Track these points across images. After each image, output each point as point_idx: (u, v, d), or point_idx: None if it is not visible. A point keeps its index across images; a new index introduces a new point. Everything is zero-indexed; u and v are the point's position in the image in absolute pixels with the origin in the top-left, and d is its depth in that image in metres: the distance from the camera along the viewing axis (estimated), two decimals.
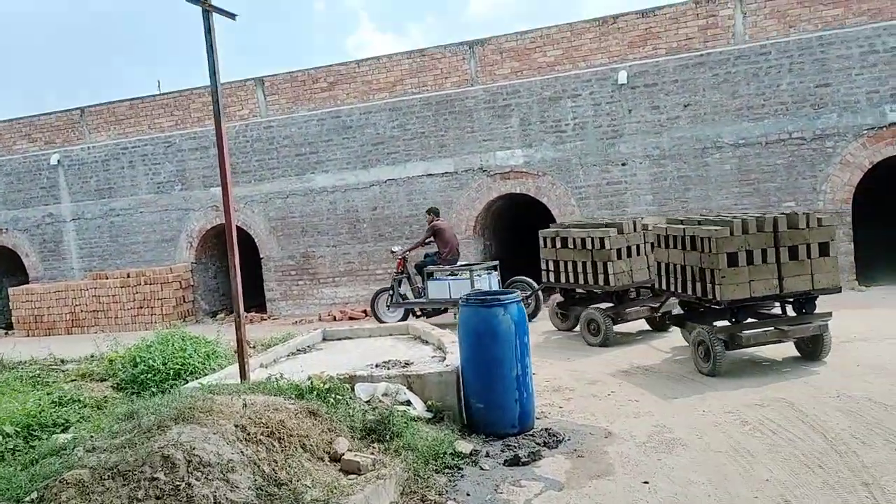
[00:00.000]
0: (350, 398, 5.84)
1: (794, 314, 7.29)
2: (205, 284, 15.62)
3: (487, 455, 5.17)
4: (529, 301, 10.86)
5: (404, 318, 11.46)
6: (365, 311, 13.44)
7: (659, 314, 8.87)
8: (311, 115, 14.04)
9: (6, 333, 16.57)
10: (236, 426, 4.89)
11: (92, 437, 5.37)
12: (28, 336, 15.52)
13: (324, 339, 9.12)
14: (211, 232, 15.31)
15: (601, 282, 8.89)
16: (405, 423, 5.44)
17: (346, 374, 6.37)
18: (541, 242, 9.92)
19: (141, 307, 14.90)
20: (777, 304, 7.57)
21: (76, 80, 61.05)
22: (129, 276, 15.10)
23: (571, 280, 9.38)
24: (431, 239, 11.52)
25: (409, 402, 6.04)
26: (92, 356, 9.92)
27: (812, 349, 7.20)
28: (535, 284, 10.95)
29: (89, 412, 6.64)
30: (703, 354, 7.03)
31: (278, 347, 8.35)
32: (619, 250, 8.77)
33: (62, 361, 10.24)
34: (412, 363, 7.14)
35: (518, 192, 12.72)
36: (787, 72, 10.81)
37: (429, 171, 13.24)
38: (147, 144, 15.44)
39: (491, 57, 12.80)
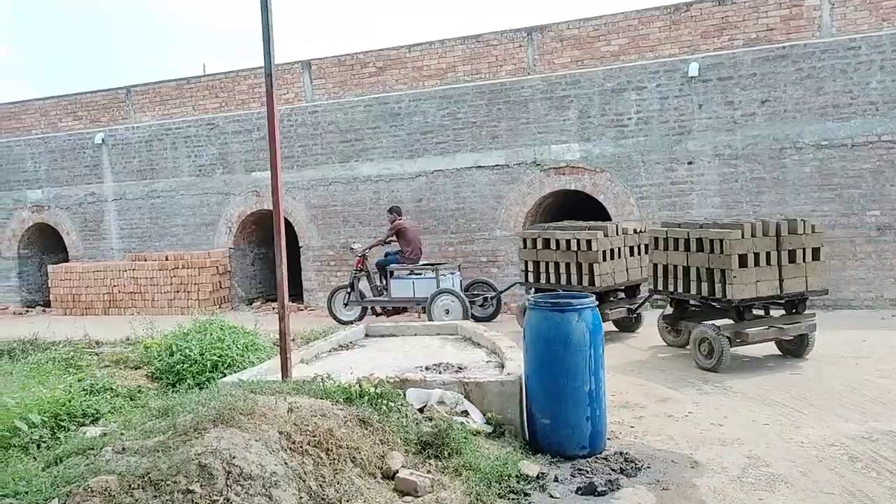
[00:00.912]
0: (402, 405, 5.30)
1: (782, 314, 7.87)
2: (242, 271, 15.27)
3: (556, 480, 4.59)
4: (491, 302, 11.25)
5: (361, 317, 11.57)
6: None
7: (634, 314, 9.58)
8: (357, 101, 13.55)
9: (44, 311, 16.45)
10: (280, 433, 4.39)
11: (122, 434, 4.93)
12: (65, 314, 15.35)
13: (366, 336, 8.62)
14: (250, 217, 14.93)
15: (586, 283, 9.21)
16: (465, 437, 4.89)
17: (395, 376, 5.84)
18: (520, 244, 10.16)
19: (178, 291, 14.60)
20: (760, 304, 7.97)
21: (125, 62, 61.64)
22: (167, 259, 14.81)
23: (553, 281, 9.63)
24: (393, 238, 11.49)
25: (466, 413, 5.50)
26: (127, 339, 9.62)
27: (796, 347, 7.85)
28: (496, 286, 11.43)
29: (121, 402, 6.23)
30: (707, 352, 7.50)
31: (320, 342, 7.87)
32: (604, 252, 9.13)
33: (97, 343, 9.94)
34: (466, 367, 6.59)
35: (573, 188, 12.07)
36: (879, 69, 9.98)
37: (479, 163, 12.66)
38: (190, 126, 15.11)
39: (550, 45, 12.16)
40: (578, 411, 5.20)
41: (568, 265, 9.38)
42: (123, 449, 4.28)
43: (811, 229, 7.75)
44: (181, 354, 6.76)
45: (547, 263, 9.69)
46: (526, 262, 10.02)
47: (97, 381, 6.32)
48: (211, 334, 7.15)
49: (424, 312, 10.95)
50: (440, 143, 12.90)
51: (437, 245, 13.00)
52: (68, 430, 5.58)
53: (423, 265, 11.44)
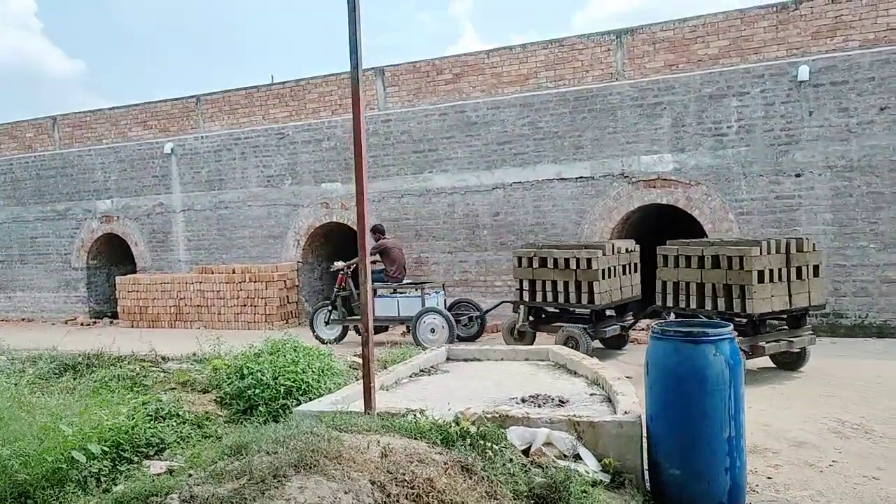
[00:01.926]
0: (505, 447, 4.56)
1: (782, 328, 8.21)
2: (310, 285, 14.80)
3: None
4: (475, 322, 11.25)
5: (342, 336, 11.60)
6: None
7: (627, 330, 9.95)
8: (432, 109, 12.96)
9: (111, 322, 16.33)
10: (373, 483, 3.71)
11: (190, 475, 4.32)
12: (132, 327, 15.16)
13: (448, 359, 7.94)
14: (319, 230, 14.48)
15: (585, 301, 9.35)
16: (583, 490, 4.12)
17: (494, 411, 5.10)
18: (515, 262, 10.17)
19: (244, 305, 14.22)
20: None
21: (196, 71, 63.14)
22: (234, 272, 14.47)
23: (550, 299, 9.73)
24: (377, 257, 11.44)
25: (577, 458, 4.72)
26: (194, 355, 9.19)
27: (792, 361, 8.25)
28: (480, 305, 11.39)
29: (188, 431, 5.65)
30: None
31: (399, 367, 7.21)
32: (603, 270, 9.29)
33: (163, 359, 9.54)
34: (568, 401, 5.82)
35: (664, 202, 11.17)
36: None
37: (561, 175, 11.88)
38: (259, 135, 14.78)
39: (641, 48, 11.32)
40: (716, 462, 4.39)
41: (566, 283, 9.47)
42: (192, 497, 3.65)
43: (812, 247, 8.24)
44: (253, 378, 6.17)
45: (543, 282, 9.76)
46: (521, 281, 10.04)
47: (163, 405, 5.76)
48: (284, 356, 6.55)
49: (409, 332, 10.90)
50: (519, 154, 12.18)
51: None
52: (131, 461, 5.02)
53: (408, 284, 11.37)
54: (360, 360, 7.90)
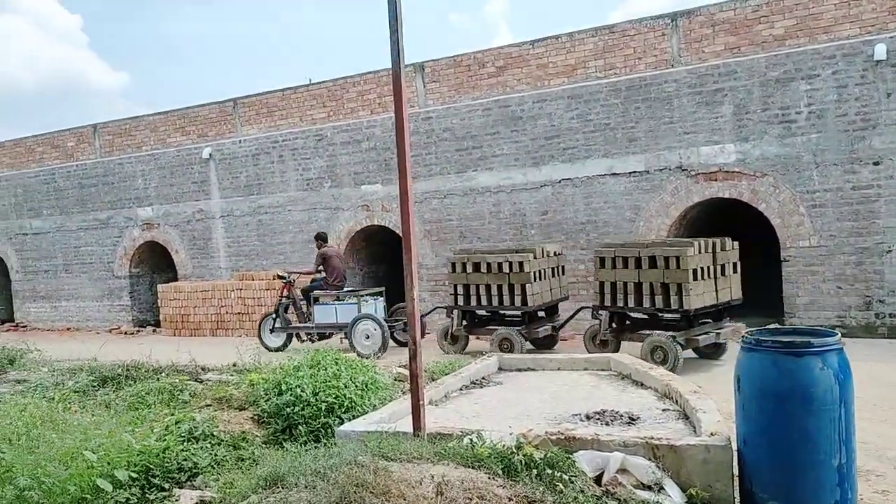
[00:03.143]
0: (574, 476, 3.99)
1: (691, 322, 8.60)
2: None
3: None
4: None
5: (287, 343, 11.75)
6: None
7: (558, 331, 10.30)
8: (475, 105, 12.42)
9: (154, 331, 16.18)
10: None
11: None
12: (174, 335, 14.96)
13: (500, 370, 7.39)
14: (360, 233, 14.05)
15: (518, 303, 9.67)
16: None
17: (558, 432, 4.53)
18: (449, 268, 10.41)
19: None
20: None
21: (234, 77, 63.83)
22: (274, 279, 14.12)
23: (484, 303, 10.01)
24: (321, 266, 11.68)
25: (656, 488, 4.12)
26: (234, 365, 8.86)
27: (714, 351, 8.96)
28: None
29: (223, 453, 5.20)
30: (662, 358, 8.11)
31: (449, 379, 6.68)
32: (535, 273, 9.66)
33: (203, 369, 9.24)
34: (638, 418, 5.22)
35: (726, 196, 10.43)
36: None
37: (613, 170, 11.22)
38: (297, 138, 14.43)
39: (699, 31, 10.60)
40: (823, 493, 3.77)
41: (500, 287, 9.78)
42: None
43: (732, 246, 8.88)
44: (291, 394, 5.70)
45: (477, 286, 10.04)
46: (455, 286, 10.28)
47: (196, 426, 5.33)
48: (325, 369, 6.08)
49: (346, 338, 11.07)
50: (568, 149, 11.55)
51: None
52: (161, 488, 4.59)
53: (347, 291, 11.65)
54: (405, 372, 7.41)
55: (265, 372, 6.76)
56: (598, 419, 5.22)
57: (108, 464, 4.44)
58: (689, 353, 8.81)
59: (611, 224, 11.26)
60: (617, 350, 9.08)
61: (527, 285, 9.55)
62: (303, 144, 14.35)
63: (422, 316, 11.13)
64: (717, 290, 8.61)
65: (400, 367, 7.60)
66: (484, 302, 9.97)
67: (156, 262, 17.29)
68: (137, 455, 4.69)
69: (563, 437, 4.42)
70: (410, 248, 4.79)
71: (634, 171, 11.04)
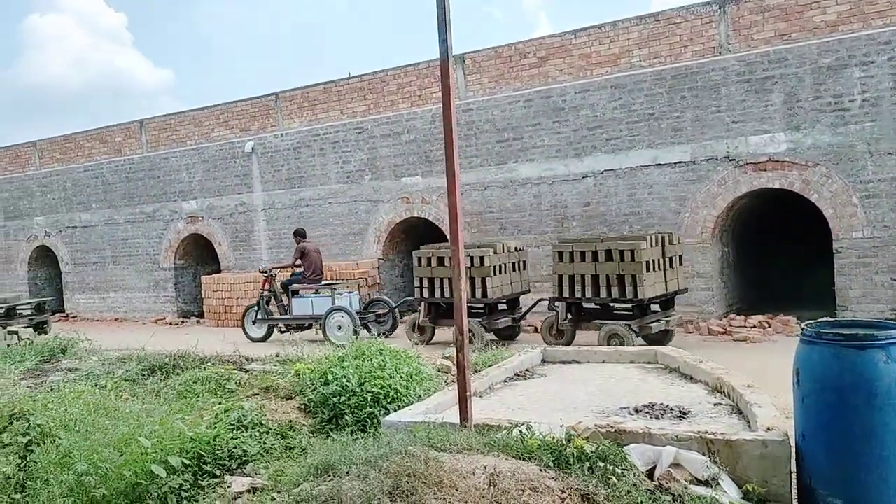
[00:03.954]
0: (626, 470, 3.92)
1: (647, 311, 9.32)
2: (391, 283, 14.43)
3: None
4: (386, 318, 12.02)
5: (268, 334, 12.37)
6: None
7: (518, 322, 10.80)
8: (516, 96, 12.32)
9: (198, 322, 16.45)
10: None
11: (274, 498, 3.90)
12: (217, 326, 15.18)
13: (543, 361, 7.32)
14: (399, 226, 14.08)
15: (479, 295, 10.23)
16: None
17: (608, 425, 4.47)
18: (415, 262, 10.92)
19: None
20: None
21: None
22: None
23: (447, 295, 10.36)
24: (299, 260, 12.20)
25: (711, 482, 4.03)
26: (277, 356, 8.96)
27: (663, 338, 9.30)
28: (391, 303, 12.25)
29: (272, 441, 5.25)
30: (618, 345, 8.55)
31: (493, 370, 6.64)
32: (494, 267, 10.17)
33: (247, 359, 9.36)
34: (689, 412, 5.11)
35: (776, 186, 10.19)
36: None
37: (657, 160, 11.04)
38: (338, 131, 14.50)
39: (748, 17, 10.34)
40: (887, 491, 3.65)
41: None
42: None
43: (678, 240, 9.74)
44: (337, 384, 5.73)
45: (441, 279, 10.57)
46: (420, 279, 10.79)
47: (245, 414, 5.38)
48: (370, 360, 6.09)
49: (321, 329, 11.60)
50: (611, 139, 11.40)
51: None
52: (213, 475, 4.64)
53: (324, 285, 12.14)
54: (449, 363, 7.39)
55: (310, 362, 6.82)
56: (648, 413, 5.13)
57: (162, 450, 4.49)
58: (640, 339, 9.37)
59: (655, 215, 11.08)
60: (573, 339, 9.82)
61: (486, 279, 10.11)
62: (343, 137, 14.41)
63: (395, 306, 12.12)
64: (666, 281, 9.35)
65: (443, 358, 7.59)
66: (447, 295, 10.36)
67: (199, 254, 17.57)
68: (189, 442, 4.75)
69: (612, 430, 4.35)
70: (457, 240, 4.76)
71: (680, 162, 10.84)
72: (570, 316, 9.67)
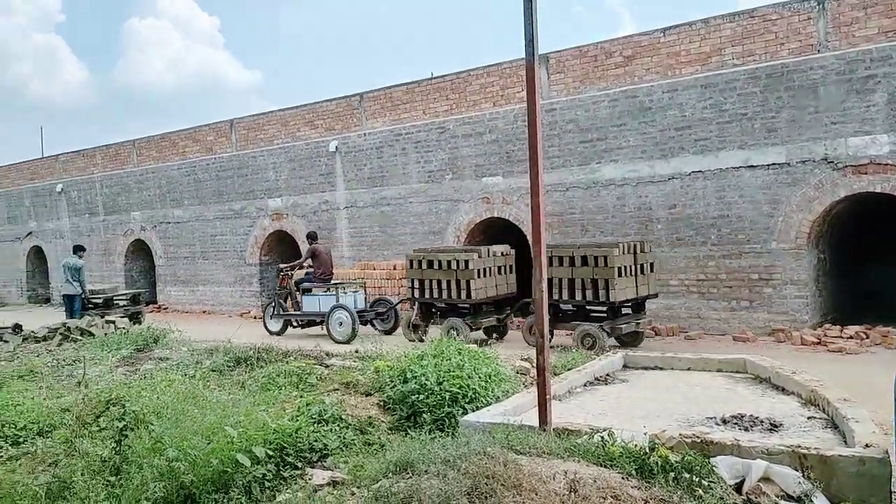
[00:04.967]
0: (713, 482, 3.77)
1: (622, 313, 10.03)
2: None
3: None
4: (388, 316, 12.70)
5: (284, 329, 13.31)
6: (655, 329, 11.23)
7: (503, 322, 11.40)
8: (601, 96, 12.10)
9: None
10: None
11: (353, 492, 3.94)
12: None
13: (625, 367, 7.18)
14: (479, 226, 14.06)
15: (464, 297, 10.81)
16: None
17: (694, 435, 4.33)
18: (408, 264, 11.64)
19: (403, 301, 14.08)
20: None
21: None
22: (394, 269, 14.41)
23: (436, 296, 11.15)
24: (310, 260, 13.14)
25: (807, 499, 3.84)
26: (356, 352, 9.10)
27: (633, 339, 10.07)
28: (392, 301, 12.92)
29: (351, 436, 5.33)
30: (590, 345, 9.41)
31: (572, 374, 6.56)
32: (478, 271, 10.78)
33: (327, 355, 9.56)
34: (781, 425, 4.90)
35: (878, 190, 9.64)
36: None
37: (749, 162, 10.62)
38: (420, 130, 14.60)
39: (849, 14, 9.82)
40: None
41: (449, 282, 10.92)
42: None
43: (649, 248, 10.26)
44: (416, 382, 5.75)
45: (430, 281, 11.18)
46: (412, 280, 11.49)
47: (326, 408, 5.47)
48: (448, 359, 6.09)
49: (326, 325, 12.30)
50: (700, 140, 11.05)
51: (693, 259, 11.15)
52: (295, 466, 4.74)
53: (334, 284, 12.92)
54: (527, 365, 7.32)
55: (389, 359, 6.88)
56: (736, 424, 4.95)
57: (246, 440, 4.62)
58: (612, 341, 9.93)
59: (745, 219, 10.66)
60: (551, 339, 9.70)
61: (471, 281, 10.65)
62: (425, 137, 14.51)
63: (394, 305, 12.72)
64: (637, 286, 9.90)
65: (521, 359, 7.52)
66: (437, 295, 11.11)
67: (283, 250, 18.04)
68: (272, 434, 4.86)
69: (698, 441, 4.21)
70: (540, 240, 4.70)
71: (773, 164, 10.40)
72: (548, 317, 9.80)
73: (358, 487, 3.93)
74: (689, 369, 6.87)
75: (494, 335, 11.40)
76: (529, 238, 12.76)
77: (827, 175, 9.97)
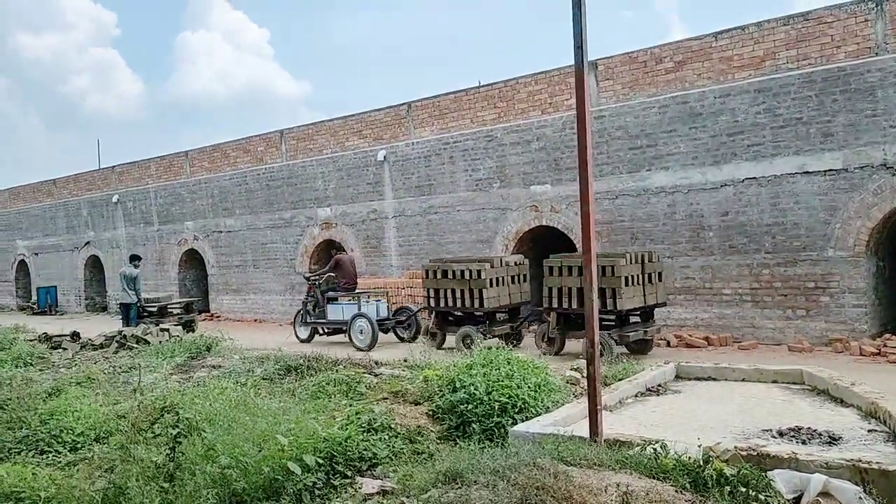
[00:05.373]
0: (770, 498, 3.68)
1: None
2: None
3: None
4: (410, 323, 13.02)
5: (312, 336, 13.67)
6: (707, 339, 11.01)
7: (516, 330, 11.55)
8: (650, 102, 11.95)
9: None
10: None
11: (403, 502, 3.95)
12: None
13: (677, 377, 7.05)
14: (527, 234, 13.99)
15: (477, 305, 11.14)
16: None
17: (749, 447, 4.23)
18: (423, 274, 12.04)
19: None
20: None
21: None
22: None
23: (451, 304, 11.56)
24: (333, 271, 13.59)
25: None
26: (405, 361, 9.13)
27: (642, 347, 10.32)
28: (413, 309, 13.10)
29: (400, 445, 5.35)
30: (598, 352, 10.47)
31: (623, 384, 6.47)
32: (491, 280, 11.07)
33: (376, 363, 9.63)
34: (840, 438, 4.75)
35: None
36: None
37: (804, 168, 10.35)
38: (468, 139, 14.63)
39: None
40: None
41: (462, 291, 11.30)
42: None
43: (658, 258, 10.47)
44: (465, 392, 5.75)
45: (445, 290, 11.59)
46: (428, 290, 11.89)
47: (375, 417, 5.51)
48: (498, 369, 6.07)
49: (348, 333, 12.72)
50: (753, 146, 10.81)
51: (746, 267, 10.90)
52: (345, 475, 4.78)
53: (358, 293, 13.36)
54: (577, 375, 7.26)
55: (438, 368, 6.89)
56: (794, 436, 4.82)
57: (297, 448, 4.67)
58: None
59: (801, 226, 10.38)
60: (562, 346, 10.63)
61: (483, 290, 10.99)
62: (473, 145, 14.53)
63: (414, 312, 13.02)
64: (644, 295, 10.07)
65: (571, 369, 7.46)
66: (451, 304, 11.51)
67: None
68: (322, 442, 4.91)
69: (754, 454, 4.12)
70: (590, 249, 4.66)
71: (830, 170, 10.11)
72: (559, 325, 10.41)
73: (407, 497, 3.94)
74: (743, 380, 6.72)
75: (510, 342, 11.48)
76: (579, 247, 12.71)
77: (886, 180, 9.65)
